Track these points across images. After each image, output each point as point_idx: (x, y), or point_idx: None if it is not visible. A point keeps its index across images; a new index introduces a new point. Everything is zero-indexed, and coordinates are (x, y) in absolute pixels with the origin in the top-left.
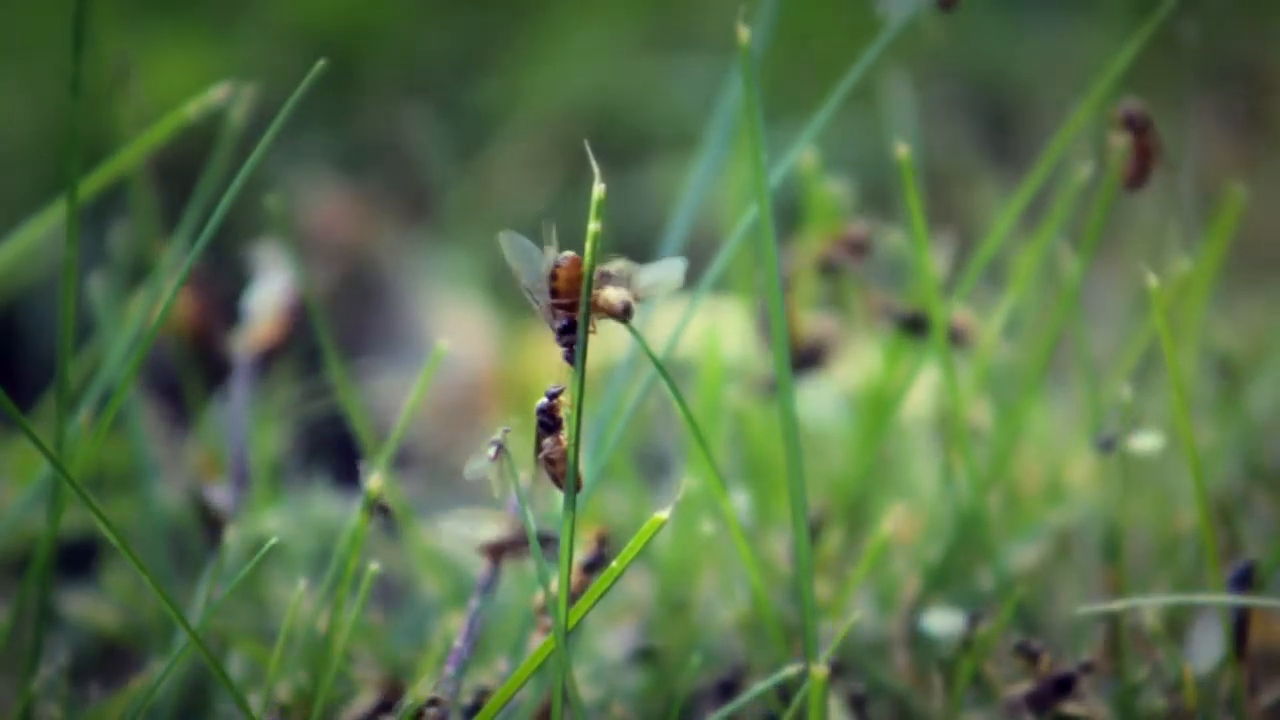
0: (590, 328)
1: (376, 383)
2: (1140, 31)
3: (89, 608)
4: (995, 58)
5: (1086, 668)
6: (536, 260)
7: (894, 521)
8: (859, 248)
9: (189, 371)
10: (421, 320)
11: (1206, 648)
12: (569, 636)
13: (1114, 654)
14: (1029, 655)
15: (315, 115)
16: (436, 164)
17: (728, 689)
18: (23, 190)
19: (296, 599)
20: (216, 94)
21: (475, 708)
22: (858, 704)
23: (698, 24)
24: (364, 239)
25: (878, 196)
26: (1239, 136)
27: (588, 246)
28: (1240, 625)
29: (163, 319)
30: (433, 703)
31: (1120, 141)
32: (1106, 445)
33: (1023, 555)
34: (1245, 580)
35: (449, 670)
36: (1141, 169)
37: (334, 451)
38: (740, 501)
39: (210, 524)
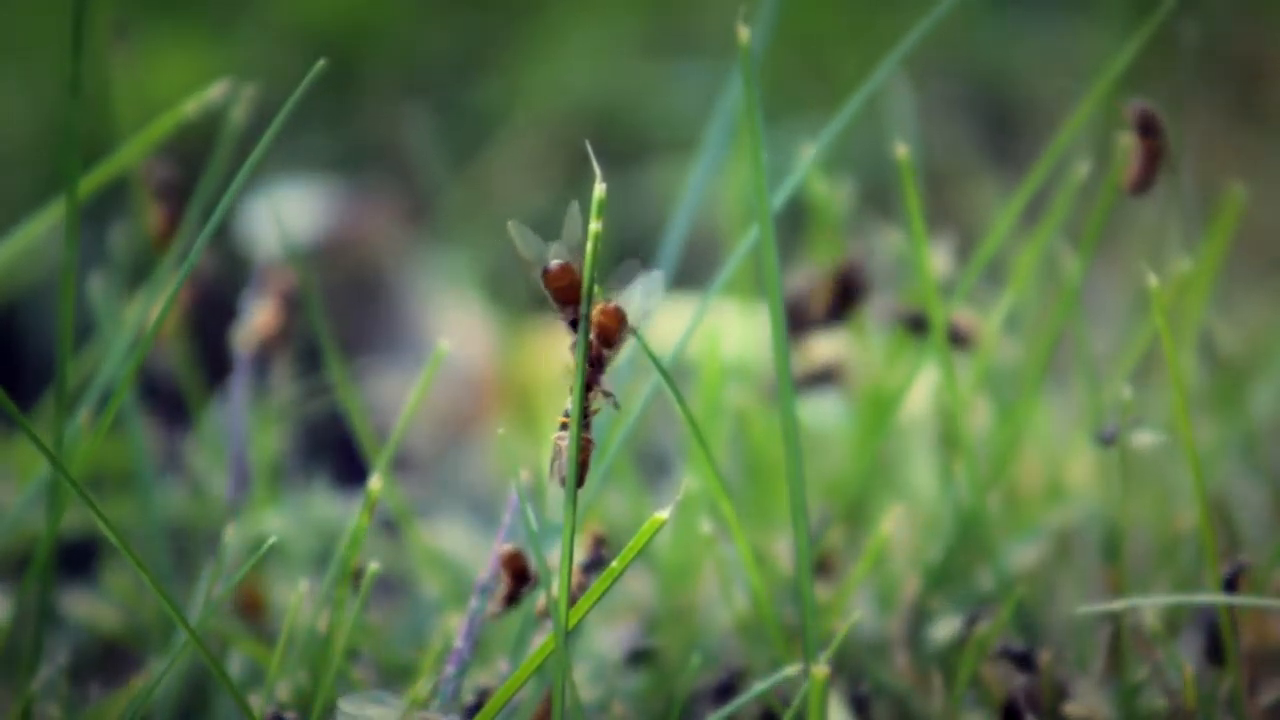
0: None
1: (376, 383)
2: (1140, 31)
3: (89, 608)
4: (995, 57)
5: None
6: (544, 251)
7: (893, 522)
8: (856, 288)
9: (189, 371)
10: (421, 320)
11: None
12: (569, 636)
13: (1114, 654)
14: (1016, 659)
15: (315, 115)
16: (436, 164)
17: (727, 689)
18: (23, 190)
19: (296, 599)
20: (215, 92)
21: (475, 708)
22: (860, 706)
23: (697, 24)
24: (365, 239)
25: (878, 196)
26: (1239, 136)
27: (588, 246)
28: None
29: (163, 319)
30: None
31: (1128, 142)
32: (1108, 439)
33: (1023, 555)
34: (1233, 584)
35: (449, 670)
36: (1147, 173)
37: (334, 451)
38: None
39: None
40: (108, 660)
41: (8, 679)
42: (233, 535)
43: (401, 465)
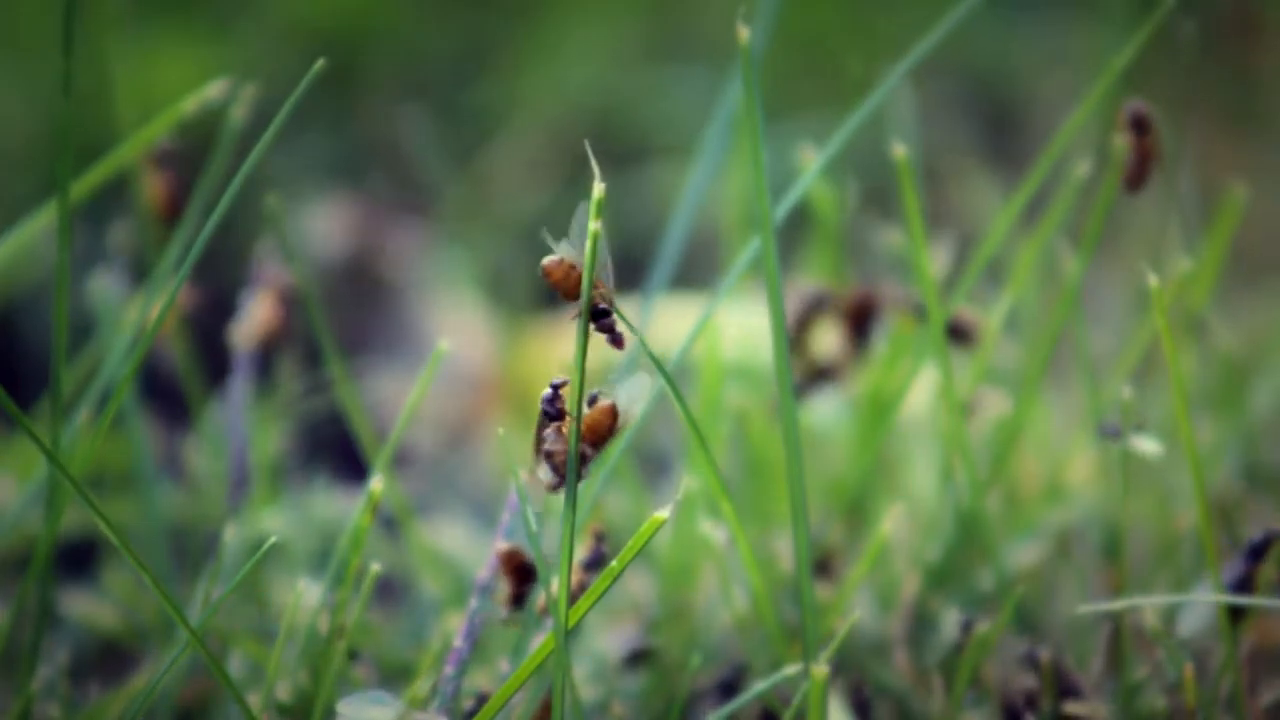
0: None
1: (377, 382)
2: (1140, 31)
3: (89, 608)
4: (995, 57)
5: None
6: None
7: (893, 522)
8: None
9: (189, 371)
10: (421, 320)
11: (1194, 616)
12: (569, 636)
13: (1113, 653)
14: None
15: (315, 115)
16: (436, 164)
17: (728, 689)
18: (22, 190)
19: (296, 599)
20: (214, 90)
21: (474, 709)
22: (861, 707)
23: (697, 26)
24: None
25: (878, 195)
26: (1239, 136)
27: (588, 246)
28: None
29: (163, 318)
30: None
31: (1123, 141)
32: (1111, 434)
33: (1023, 555)
34: (1261, 552)
35: (449, 670)
36: (1140, 171)
37: (334, 451)
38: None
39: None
40: (107, 660)
41: (8, 679)
42: (233, 535)
43: (401, 465)
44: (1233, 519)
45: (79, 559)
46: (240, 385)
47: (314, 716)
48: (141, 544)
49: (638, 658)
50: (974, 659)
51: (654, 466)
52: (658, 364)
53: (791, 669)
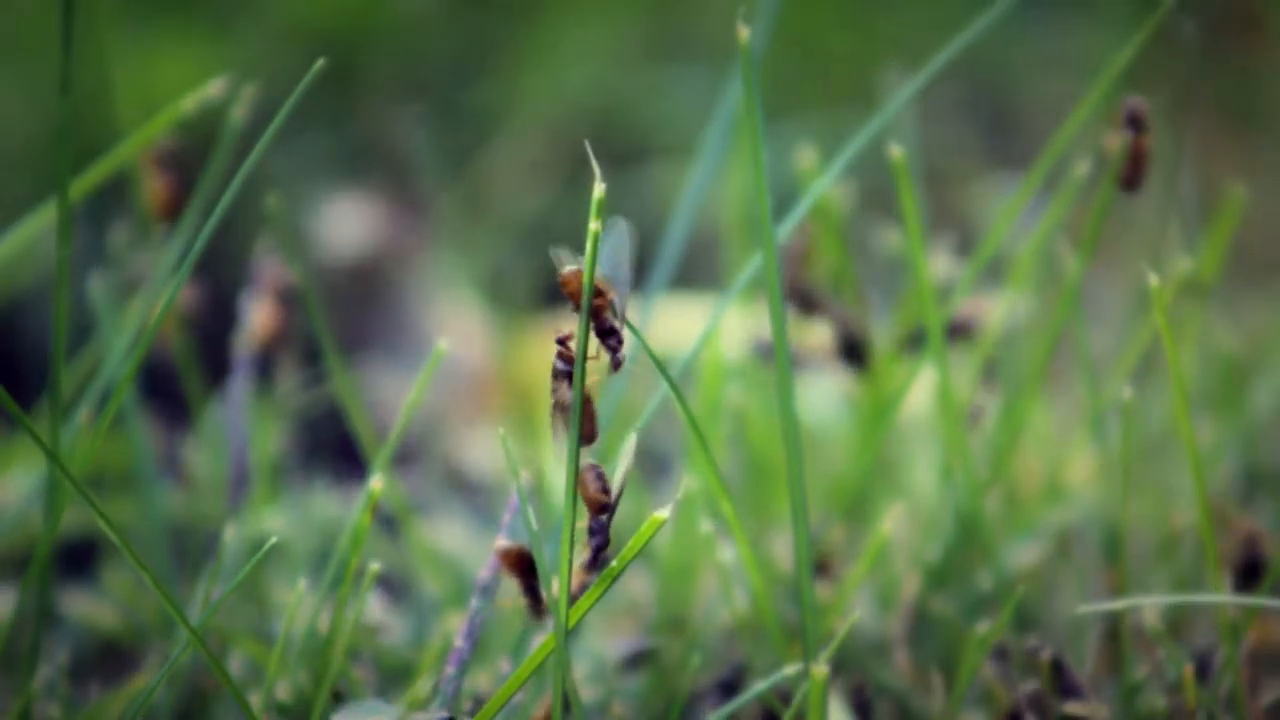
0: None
1: (376, 382)
2: (1140, 31)
3: (89, 608)
4: (995, 57)
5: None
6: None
7: (893, 522)
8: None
9: (189, 371)
10: (421, 320)
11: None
12: (569, 636)
13: (1114, 654)
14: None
15: (315, 115)
16: (435, 164)
17: (728, 689)
18: (22, 190)
19: (296, 599)
20: (214, 89)
21: (474, 710)
22: (861, 707)
23: (697, 25)
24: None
25: (878, 195)
26: (1239, 136)
27: (588, 246)
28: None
29: (163, 318)
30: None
31: (1117, 140)
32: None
33: (1023, 555)
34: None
35: (449, 670)
36: (1136, 171)
37: (334, 451)
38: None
39: None
40: (107, 660)
41: (8, 679)
42: (233, 535)
43: (401, 465)
44: (1232, 519)
45: (79, 559)
46: (240, 385)
47: (314, 716)
48: (141, 544)
49: (638, 658)
50: (974, 659)
51: (654, 466)
52: (659, 365)
53: (791, 669)
